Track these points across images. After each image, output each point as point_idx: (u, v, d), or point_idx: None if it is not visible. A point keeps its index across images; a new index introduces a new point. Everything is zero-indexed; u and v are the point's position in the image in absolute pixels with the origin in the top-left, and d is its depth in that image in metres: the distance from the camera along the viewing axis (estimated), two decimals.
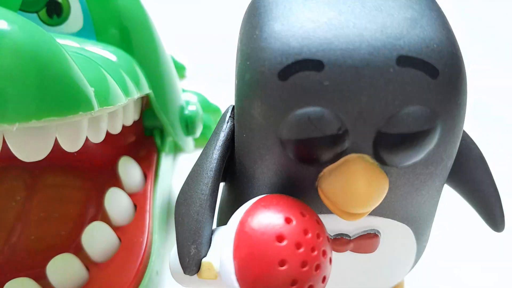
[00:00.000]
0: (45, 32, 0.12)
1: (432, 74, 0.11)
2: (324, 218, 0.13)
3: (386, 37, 0.11)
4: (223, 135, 0.14)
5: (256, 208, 0.12)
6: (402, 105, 0.11)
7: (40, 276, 0.16)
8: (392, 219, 0.14)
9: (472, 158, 0.15)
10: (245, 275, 0.11)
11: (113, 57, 0.18)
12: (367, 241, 0.14)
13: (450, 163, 0.13)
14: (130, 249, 0.17)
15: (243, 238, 0.11)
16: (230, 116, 0.15)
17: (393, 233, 0.14)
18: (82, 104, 0.12)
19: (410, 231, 0.15)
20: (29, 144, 0.12)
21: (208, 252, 0.13)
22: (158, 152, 0.22)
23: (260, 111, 0.12)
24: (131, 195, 0.19)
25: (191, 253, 0.13)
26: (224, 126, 0.14)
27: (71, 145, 0.13)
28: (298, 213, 0.11)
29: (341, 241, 0.14)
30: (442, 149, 0.12)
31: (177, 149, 0.27)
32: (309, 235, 0.11)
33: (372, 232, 0.14)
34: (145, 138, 0.22)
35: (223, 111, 0.33)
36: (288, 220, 0.11)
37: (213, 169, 0.14)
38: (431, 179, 0.13)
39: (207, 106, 0.28)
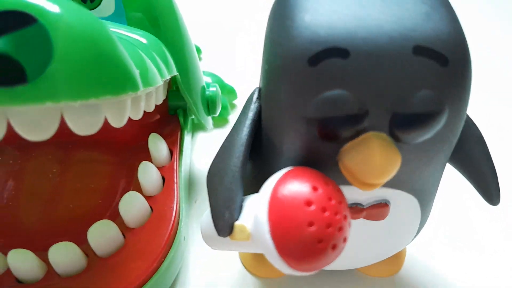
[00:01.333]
0: (95, 16, 0.13)
1: (442, 62, 0.13)
2: (341, 188, 0.14)
3: (403, 28, 0.12)
4: (251, 114, 0.16)
5: (286, 178, 0.13)
6: (415, 89, 0.13)
7: (79, 241, 0.18)
8: (401, 190, 0.16)
9: (472, 137, 0.17)
10: (278, 234, 0.13)
11: (144, 40, 0.19)
12: (378, 209, 0.16)
13: (454, 141, 0.15)
14: (162, 217, 0.19)
15: (276, 203, 0.13)
16: (257, 97, 0.16)
17: (401, 203, 0.16)
18: (130, 84, 0.14)
19: (416, 201, 0.16)
20: (85, 120, 0.14)
21: (240, 217, 0.15)
22: (181, 130, 0.23)
23: (289, 93, 0.13)
24: (159, 168, 0.21)
25: (225, 217, 0.15)
26: (252, 106, 0.16)
27: (118, 122, 0.15)
28: (323, 183, 0.13)
29: (355, 210, 0.16)
30: (448, 128, 0.14)
31: (194, 128, 0.29)
32: (333, 201, 0.13)
33: (383, 202, 0.16)
34: (169, 116, 0.23)
35: (237, 91, 0.34)
36: (314, 188, 0.13)
37: (244, 144, 0.15)
38: (438, 155, 0.15)
39: (222, 86, 0.30)
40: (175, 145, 0.22)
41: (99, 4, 0.20)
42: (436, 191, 0.17)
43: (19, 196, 0.20)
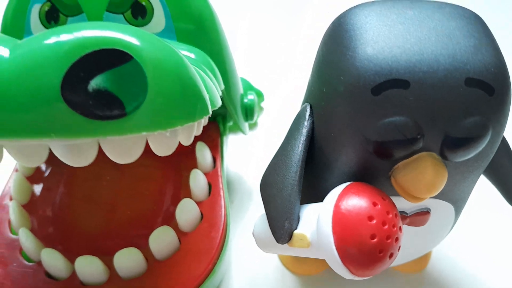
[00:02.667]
0: (176, 50, 0.14)
1: (490, 92, 0.14)
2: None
3: (456, 62, 0.14)
4: (305, 131, 0.17)
5: (348, 194, 0.15)
6: (466, 116, 0.14)
7: (137, 245, 0.20)
8: (441, 199, 0.17)
9: (500, 147, 0.18)
10: (343, 245, 0.14)
11: (194, 56, 0.20)
12: (420, 217, 0.18)
13: (491, 156, 0.17)
14: (212, 221, 0.21)
15: (340, 217, 0.14)
16: (309, 114, 0.18)
17: (440, 210, 0.18)
18: (205, 110, 0.15)
19: (453, 208, 0.18)
20: (165, 144, 0.15)
21: (299, 226, 0.16)
22: (221, 135, 0.24)
23: (351, 117, 0.15)
24: (205, 174, 0.22)
25: (285, 227, 0.16)
26: (306, 124, 0.17)
27: (188, 141, 0.16)
28: (380, 198, 0.15)
29: (401, 217, 0.17)
30: (489, 147, 0.15)
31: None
32: (390, 215, 0.15)
33: (424, 210, 0.17)
34: (209, 123, 0.25)
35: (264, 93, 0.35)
36: (374, 204, 0.14)
37: (300, 160, 0.17)
38: (477, 169, 0.16)
39: (250, 90, 0.31)
40: (217, 151, 0.24)
41: (150, 21, 0.21)
42: (468, 197, 0.19)
43: (77, 202, 0.22)
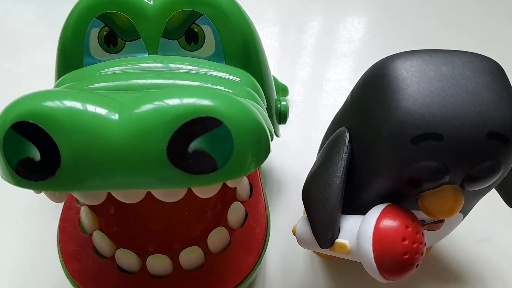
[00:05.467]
0: (252, 109, 0.17)
1: (505, 141, 0.17)
2: (414, 212, 0.20)
3: (481, 117, 0.17)
4: (345, 156, 0.20)
5: (385, 217, 0.18)
6: (484, 161, 0.17)
7: (196, 242, 0.23)
8: None
9: None
10: (381, 259, 0.18)
11: (246, 81, 0.23)
12: (436, 224, 0.21)
13: (499, 181, 0.20)
14: (256, 219, 0.24)
15: (379, 237, 0.18)
16: (348, 140, 0.21)
17: (452, 219, 0.22)
18: (268, 150, 0.18)
19: (462, 216, 0.22)
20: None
21: (340, 235, 0.20)
22: None
23: (392, 158, 0.18)
24: (247, 176, 0.26)
25: (328, 237, 0.20)
26: (345, 149, 0.21)
27: (238, 184, 0.19)
28: (411, 221, 0.18)
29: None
30: (500, 178, 0.19)
31: None
32: (418, 235, 0.18)
33: (440, 220, 0.21)
34: None
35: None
36: (407, 226, 0.18)
37: (342, 182, 0.20)
38: (487, 190, 0.20)
39: (276, 85, 0.33)
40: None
41: (201, 46, 0.23)
42: None
43: (139, 203, 0.25)
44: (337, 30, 0.52)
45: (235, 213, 0.24)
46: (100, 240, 0.23)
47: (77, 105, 0.15)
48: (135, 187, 0.15)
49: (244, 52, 0.24)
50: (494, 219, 0.30)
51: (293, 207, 0.30)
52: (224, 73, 0.22)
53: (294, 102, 0.39)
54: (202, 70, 0.22)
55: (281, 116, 0.28)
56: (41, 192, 0.18)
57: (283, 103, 0.27)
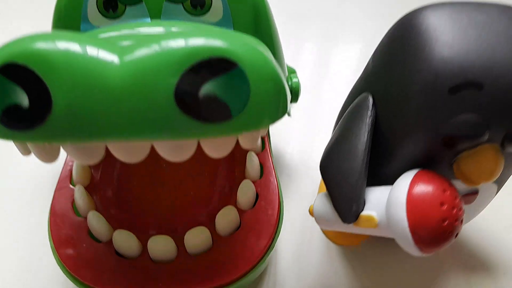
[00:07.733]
0: (268, 55, 0.15)
1: None
2: None
3: None
4: (369, 121, 0.19)
5: (419, 182, 0.16)
6: None
7: (201, 224, 0.21)
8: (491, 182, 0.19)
9: None
10: (417, 228, 0.16)
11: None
12: (470, 197, 0.19)
13: None
14: (268, 199, 0.22)
15: (414, 204, 0.16)
16: (372, 104, 0.19)
17: (486, 190, 0.20)
18: (286, 107, 0.16)
19: (496, 187, 0.20)
20: (249, 139, 0.16)
21: (365, 207, 0.18)
22: None
23: (426, 113, 0.16)
24: (257, 155, 0.24)
25: (353, 209, 0.18)
26: (369, 113, 0.19)
27: (254, 144, 0.17)
28: (447, 185, 0.16)
29: None
30: None
31: None
32: (457, 199, 0.16)
33: (474, 191, 0.19)
34: None
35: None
36: (444, 190, 0.16)
37: (366, 148, 0.18)
38: None
39: None
40: (265, 133, 0.25)
41: (208, 10, 0.21)
42: None
43: (139, 183, 0.23)
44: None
45: (245, 191, 0.22)
46: (96, 222, 0.20)
47: (73, 45, 0.13)
48: (136, 136, 0.13)
49: (254, 19, 0.22)
50: None
51: (304, 193, 0.28)
52: None
53: (303, 85, 0.37)
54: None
55: (293, 94, 0.26)
56: (30, 153, 0.16)
57: (295, 80, 0.26)
